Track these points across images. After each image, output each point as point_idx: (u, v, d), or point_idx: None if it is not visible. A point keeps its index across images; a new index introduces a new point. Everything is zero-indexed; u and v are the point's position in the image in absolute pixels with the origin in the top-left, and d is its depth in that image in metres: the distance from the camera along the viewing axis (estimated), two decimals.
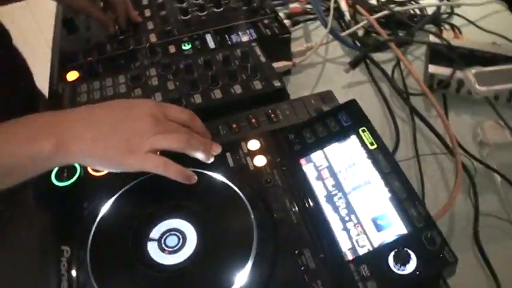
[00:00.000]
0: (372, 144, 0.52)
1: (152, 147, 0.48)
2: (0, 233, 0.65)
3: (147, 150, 0.48)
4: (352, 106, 0.57)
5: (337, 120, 0.56)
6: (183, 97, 0.61)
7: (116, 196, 0.51)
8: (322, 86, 0.76)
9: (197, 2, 0.77)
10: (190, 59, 0.66)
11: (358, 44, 0.78)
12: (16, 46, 0.68)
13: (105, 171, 0.55)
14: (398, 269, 0.43)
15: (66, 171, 0.56)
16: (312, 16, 0.85)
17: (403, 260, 0.43)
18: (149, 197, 0.52)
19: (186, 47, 0.71)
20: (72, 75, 0.68)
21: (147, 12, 0.79)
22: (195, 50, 0.70)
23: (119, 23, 0.75)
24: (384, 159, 0.51)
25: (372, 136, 0.53)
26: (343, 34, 0.77)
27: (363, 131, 0.54)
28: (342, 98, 0.72)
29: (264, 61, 0.65)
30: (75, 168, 0.56)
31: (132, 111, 0.49)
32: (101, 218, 0.50)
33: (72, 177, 0.55)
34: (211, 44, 0.71)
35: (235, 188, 0.50)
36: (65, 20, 0.77)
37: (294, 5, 0.87)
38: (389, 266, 0.44)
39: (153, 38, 0.74)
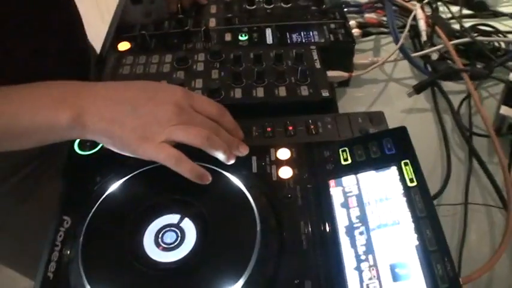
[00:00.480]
0: (411, 181, 0.46)
1: (169, 137, 0.45)
2: (32, 189, 0.66)
3: (163, 140, 0.45)
4: (400, 134, 0.51)
5: (381, 146, 0.50)
6: (222, 88, 0.57)
7: (126, 178, 0.49)
8: (380, 105, 0.69)
9: None
10: (240, 51, 0.62)
11: (429, 69, 0.70)
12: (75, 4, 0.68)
13: None
14: None
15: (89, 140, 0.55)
16: (385, 30, 0.78)
17: None
18: (159, 186, 0.49)
19: (243, 38, 0.67)
20: (123, 46, 0.67)
21: None
22: (251, 43, 0.66)
23: (182, 2, 0.73)
24: (421, 200, 0.45)
25: (413, 172, 0.47)
26: (414, 54, 0.70)
27: (405, 164, 0.48)
28: (397, 122, 0.66)
29: (318, 67, 0.60)
30: None
31: (157, 96, 0.47)
32: (106, 197, 0.48)
33: (94, 148, 0.54)
34: (269, 39, 0.67)
35: (249, 197, 0.46)
36: None
37: (369, 15, 0.81)
38: None
39: (212, 22, 0.71)
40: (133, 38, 0.68)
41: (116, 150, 0.48)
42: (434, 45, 0.71)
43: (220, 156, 0.47)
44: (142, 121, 0.46)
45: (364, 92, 0.71)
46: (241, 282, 0.40)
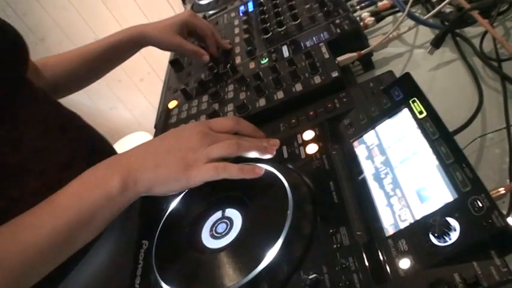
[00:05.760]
0: (420, 113, 0.48)
1: (208, 157, 0.52)
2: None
3: (204, 162, 0.51)
4: (405, 79, 0.53)
5: (390, 96, 0.53)
6: (248, 103, 0.65)
7: (180, 196, 0.57)
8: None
9: (277, 19, 0.82)
10: (260, 70, 0.70)
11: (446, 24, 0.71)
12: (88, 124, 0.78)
13: None
14: (439, 241, 0.38)
15: None
16: (397, 9, 0.81)
17: (441, 231, 0.38)
18: (207, 192, 0.56)
19: (263, 61, 0.75)
20: (172, 104, 0.79)
21: (237, 39, 0.87)
22: (271, 62, 0.74)
23: (210, 52, 0.84)
24: (433, 125, 0.46)
25: (422, 105, 0.48)
26: (426, 16, 0.72)
27: (413, 101, 0.50)
28: (428, 81, 0.68)
29: (327, 57, 0.66)
30: None
31: (182, 134, 0.55)
32: (168, 214, 0.56)
33: None
34: (286, 54, 0.74)
35: (278, 174, 0.51)
36: (172, 61, 0.90)
37: (383, 2, 0.84)
38: (428, 239, 0.39)
39: (238, 59, 0.81)
40: (178, 95, 0.80)
41: (172, 192, 0.53)
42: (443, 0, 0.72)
43: (256, 154, 0.53)
44: (180, 155, 0.52)
45: (391, 67, 0.73)
46: (280, 241, 0.44)
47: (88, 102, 2.22)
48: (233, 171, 0.51)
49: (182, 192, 0.58)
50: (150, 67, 2.13)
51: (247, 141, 0.55)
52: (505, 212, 0.46)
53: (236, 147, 0.52)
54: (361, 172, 0.49)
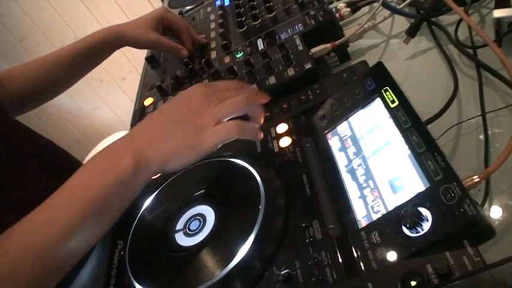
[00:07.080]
0: (393, 102, 0.47)
1: (217, 118, 0.48)
2: None
3: (214, 123, 0.47)
4: (377, 69, 0.52)
5: (362, 85, 0.52)
6: None
7: (152, 195, 0.56)
8: (385, 62, 0.70)
9: (252, 12, 0.81)
10: (234, 64, 0.69)
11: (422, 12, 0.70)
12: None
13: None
14: (411, 232, 0.38)
15: None
16: None
17: (413, 222, 0.37)
18: (181, 190, 0.55)
19: (239, 55, 0.74)
20: (148, 101, 0.77)
21: (212, 34, 0.86)
22: (246, 56, 0.73)
23: (186, 48, 0.82)
24: (405, 114, 0.45)
25: (394, 94, 0.48)
26: (402, 5, 0.71)
27: (385, 90, 0.49)
28: (404, 71, 0.67)
29: (301, 49, 0.64)
30: None
31: (183, 100, 0.50)
32: (142, 213, 0.55)
33: None
34: (260, 47, 0.73)
35: (251, 168, 0.50)
36: (148, 58, 0.88)
37: None
38: (401, 230, 0.38)
39: (213, 54, 0.79)
40: (154, 92, 0.78)
41: (187, 164, 0.48)
42: None
43: (259, 115, 0.51)
44: (188, 122, 0.48)
45: (367, 58, 0.72)
46: (252, 237, 0.43)
47: (70, 103, 2.19)
48: (248, 131, 0.48)
49: (156, 190, 0.57)
50: (132, 65, 2.11)
51: (252, 97, 0.51)
52: (480, 201, 0.45)
53: (246, 103, 0.49)
54: (337, 171, 0.48)
